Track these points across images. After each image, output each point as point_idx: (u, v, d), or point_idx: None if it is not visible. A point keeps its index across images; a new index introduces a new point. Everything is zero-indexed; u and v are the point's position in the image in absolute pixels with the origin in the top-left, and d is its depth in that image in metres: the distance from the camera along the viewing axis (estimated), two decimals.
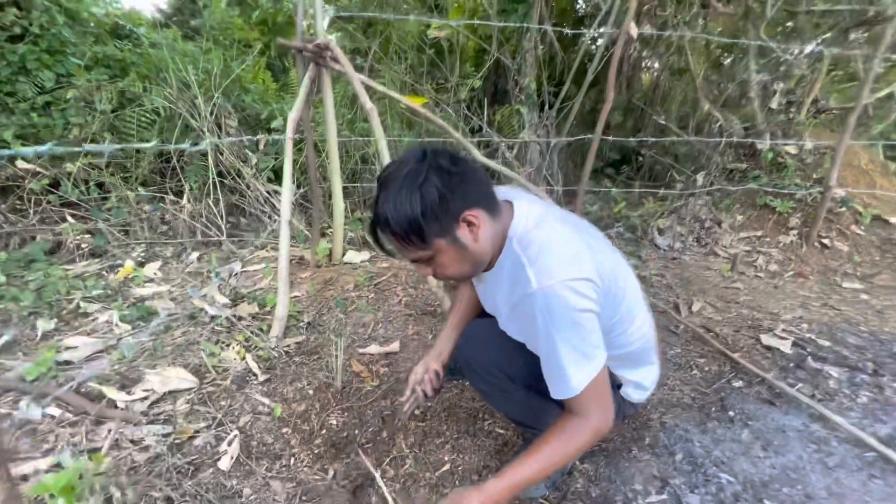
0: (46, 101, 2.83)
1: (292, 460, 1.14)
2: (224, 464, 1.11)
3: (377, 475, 1.02)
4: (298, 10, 2.01)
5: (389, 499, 1.02)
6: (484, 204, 0.82)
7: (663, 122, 4.03)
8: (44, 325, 1.73)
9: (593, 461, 1.15)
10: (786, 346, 1.75)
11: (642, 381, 1.04)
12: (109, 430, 1.20)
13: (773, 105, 3.46)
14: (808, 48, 3.47)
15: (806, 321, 1.98)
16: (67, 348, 1.59)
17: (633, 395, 1.05)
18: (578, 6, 4.35)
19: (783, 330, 1.88)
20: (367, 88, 2.03)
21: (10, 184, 2.68)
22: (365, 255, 2.70)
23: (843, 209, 3.11)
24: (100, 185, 2.88)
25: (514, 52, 3.67)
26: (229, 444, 1.17)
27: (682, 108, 4.31)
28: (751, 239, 3.12)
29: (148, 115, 2.96)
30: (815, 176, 3.21)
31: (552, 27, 3.20)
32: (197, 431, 1.22)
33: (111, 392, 1.35)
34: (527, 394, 0.98)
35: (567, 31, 2.69)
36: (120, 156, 2.96)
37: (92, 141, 2.87)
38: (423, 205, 0.76)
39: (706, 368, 1.61)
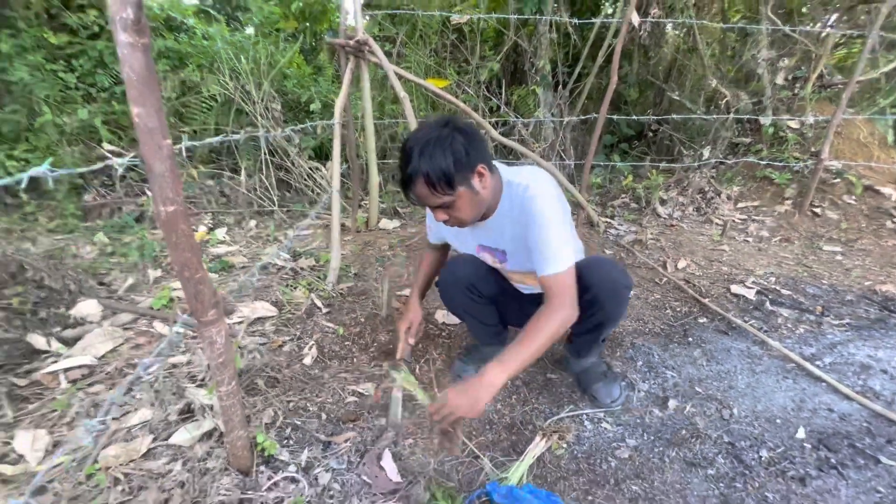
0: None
1: (355, 360, 1.59)
2: (307, 361, 1.57)
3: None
4: (342, 12, 2.37)
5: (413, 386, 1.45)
6: (488, 160, 1.07)
7: (677, 98, 4.23)
8: (153, 273, 2.23)
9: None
10: (750, 294, 2.09)
11: None
12: None
13: (779, 80, 3.64)
14: (816, 27, 3.60)
15: (775, 275, 2.30)
16: (174, 289, 2.08)
17: None
18: None
19: (752, 282, 2.21)
20: (398, 76, 2.39)
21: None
22: (396, 222, 3.13)
23: (838, 180, 3.34)
24: None
25: (531, 34, 3.93)
26: (309, 349, 1.62)
27: (696, 84, 4.49)
28: (748, 209, 3.39)
29: (206, 101, 3.40)
30: (812, 149, 3.43)
31: (567, 11, 3.45)
32: (283, 342, 1.68)
33: None
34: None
35: (576, 20, 2.95)
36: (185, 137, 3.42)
37: None
38: (454, 158, 0.99)
39: (678, 309, 1.98)
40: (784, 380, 1.47)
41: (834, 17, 3.79)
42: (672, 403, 1.34)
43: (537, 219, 1.07)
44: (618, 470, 1.11)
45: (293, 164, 3.50)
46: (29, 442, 1.17)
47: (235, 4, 4.94)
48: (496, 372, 0.97)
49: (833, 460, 1.13)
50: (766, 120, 3.55)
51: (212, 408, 1.23)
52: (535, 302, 1.42)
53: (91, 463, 1.09)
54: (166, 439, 1.17)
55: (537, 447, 1.12)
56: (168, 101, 3.34)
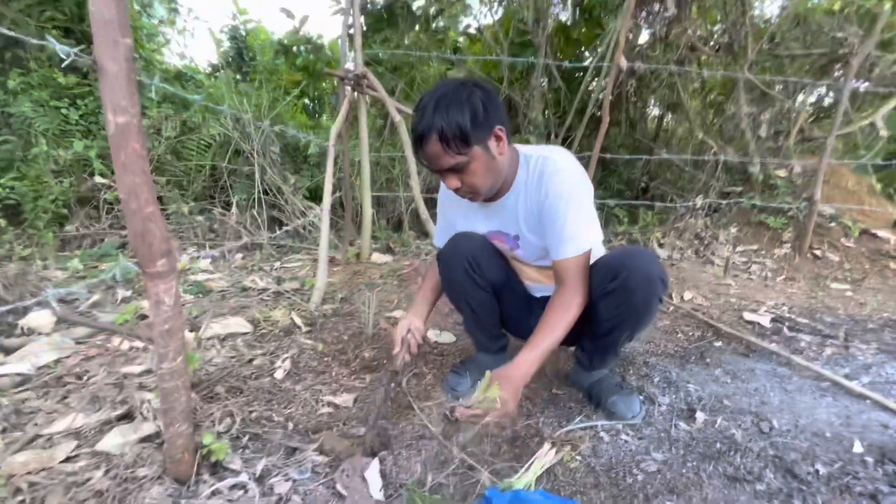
0: None
1: (334, 373, 1.39)
2: (279, 374, 1.37)
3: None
4: (343, 47, 2.47)
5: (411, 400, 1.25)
6: (506, 124, 0.99)
7: (665, 156, 4.36)
8: (122, 293, 2.06)
9: None
10: (765, 321, 1.94)
11: None
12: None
13: (762, 134, 3.77)
14: (791, 86, 3.82)
15: (788, 306, 2.17)
16: (143, 308, 1.90)
17: None
18: (584, 55, 4.84)
19: (765, 311, 2.08)
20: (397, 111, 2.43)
21: (88, 195, 3.12)
22: (388, 257, 3.01)
23: (833, 224, 3.32)
24: (159, 199, 3.31)
25: (524, 89, 4.13)
26: (282, 362, 1.43)
27: (683, 142, 4.67)
28: (747, 252, 3.33)
29: (205, 140, 3.43)
30: (804, 195, 3.45)
31: (555, 65, 3.66)
32: (254, 357, 1.48)
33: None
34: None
35: (567, 63, 3.10)
36: (179, 173, 3.41)
37: (158, 162, 3.34)
38: (471, 113, 0.92)
39: (690, 334, 1.82)
40: (822, 397, 1.29)
41: (801, 96, 4.03)
42: (700, 416, 1.15)
43: (557, 194, 0.99)
44: (646, 484, 0.91)
45: (286, 201, 3.47)
46: None
47: (246, 70, 5.23)
48: (530, 360, 0.95)
49: None
50: (754, 168, 3.62)
51: (155, 408, 1.03)
52: (545, 307, 1.28)
53: None
54: (93, 445, 0.96)
55: (546, 456, 0.92)
56: (167, 139, 3.36)
